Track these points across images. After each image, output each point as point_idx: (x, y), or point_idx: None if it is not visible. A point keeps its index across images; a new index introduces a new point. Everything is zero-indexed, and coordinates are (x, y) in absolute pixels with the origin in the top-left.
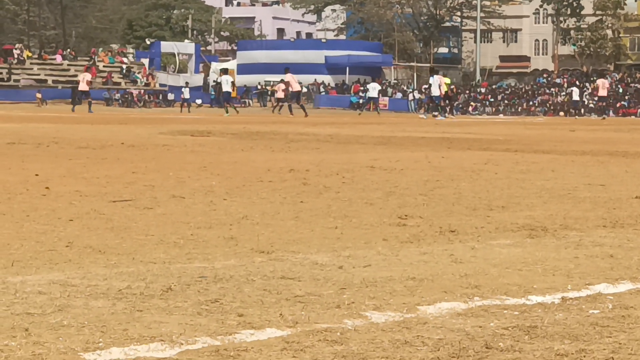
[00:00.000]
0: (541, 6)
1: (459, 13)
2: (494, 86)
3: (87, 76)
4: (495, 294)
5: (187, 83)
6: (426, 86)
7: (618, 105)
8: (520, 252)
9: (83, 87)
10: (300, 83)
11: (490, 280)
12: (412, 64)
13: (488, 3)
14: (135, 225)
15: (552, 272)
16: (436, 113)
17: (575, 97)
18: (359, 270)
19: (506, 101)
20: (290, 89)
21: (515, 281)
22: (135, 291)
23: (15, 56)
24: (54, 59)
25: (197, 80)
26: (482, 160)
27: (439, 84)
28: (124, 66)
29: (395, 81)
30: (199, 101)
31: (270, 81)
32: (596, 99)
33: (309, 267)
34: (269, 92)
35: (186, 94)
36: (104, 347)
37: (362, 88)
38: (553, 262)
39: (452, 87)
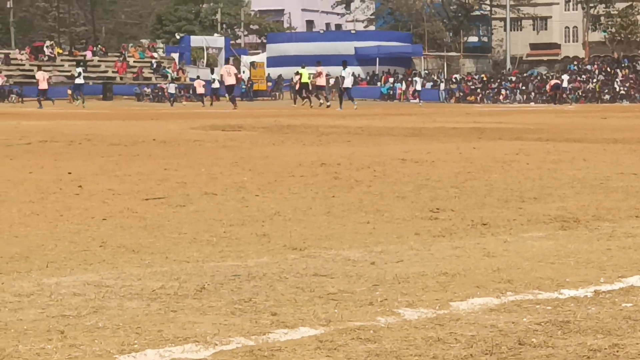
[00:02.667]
0: None
1: (488, 1)
2: (524, 74)
3: (46, 75)
4: (527, 288)
5: (213, 72)
6: (456, 76)
7: None
8: (553, 244)
9: (43, 85)
10: (328, 75)
11: (523, 275)
12: (442, 53)
13: None
14: (168, 224)
15: (584, 264)
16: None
17: (565, 84)
18: (391, 266)
19: (537, 89)
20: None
21: (548, 275)
22: (169, 291)
23: (46, 53)
24: (85, 55)
25: None
26: (513, 151)
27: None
28: (154, 61)
29: (426, 71)
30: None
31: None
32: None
33: (342, 264)
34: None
35: (216, 84)
36: (139, 349)
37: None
38: (585, 254)
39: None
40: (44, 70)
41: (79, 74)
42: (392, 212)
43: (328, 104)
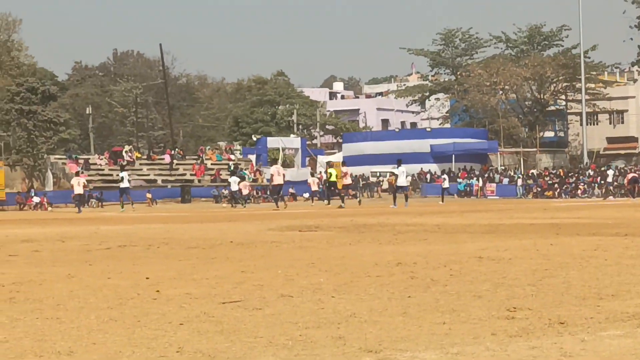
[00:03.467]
0: None
1: (563, 96)
2: (602, 168)
3: (82, 180)
4: None
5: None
6: (533, 171)
7: None
8: (631, 342)
9: (78, 190)
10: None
11: None
12: (518, 149)
13: (593, 85)
14: (244, 327)
15: None
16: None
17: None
18: None
19: (615, 183)
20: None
21: None
22: None
23: (125, 157)
24: (163, 158)
25: (304, 174)
26: (591, 247)
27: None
28: (232, 163)
29: (502, 167)
30: (306, 195)
31: (377, 172)
32: None
33: None
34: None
35: (234, 187)
36: None
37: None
38: None
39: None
40: (80, 175)
41: (122, 178)
42: (468, 311)
43: (343, 205)
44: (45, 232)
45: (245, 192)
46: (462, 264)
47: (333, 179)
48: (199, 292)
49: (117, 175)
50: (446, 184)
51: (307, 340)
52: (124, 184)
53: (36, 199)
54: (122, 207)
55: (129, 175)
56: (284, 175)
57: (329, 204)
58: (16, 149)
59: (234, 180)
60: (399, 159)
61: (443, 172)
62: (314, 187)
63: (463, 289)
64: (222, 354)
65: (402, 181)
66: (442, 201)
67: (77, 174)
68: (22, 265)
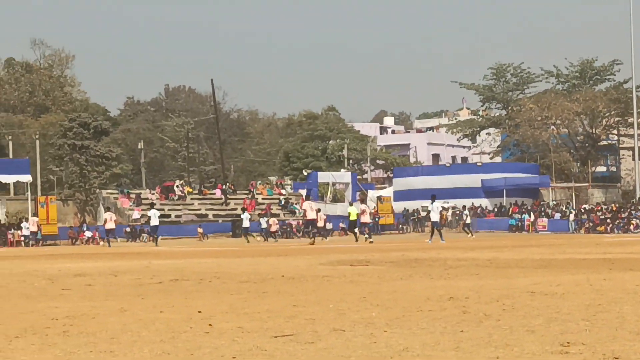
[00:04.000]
0: None
1: (615, 131)
2: None
3: (113, 216)
4: None
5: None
6: (585, 206)
7: None
8: None
9: (110, 225)
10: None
11: None
12: (570, 184)
13: None
14: None
15: None
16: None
17: None
18: None
19: None
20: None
21: None
22: None
23: (177, 192)
24: (214, 193)
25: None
26: None
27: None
28: (282, 198)
29: (554, 202)
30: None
31: (427, 207)
32: None
33: None
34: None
35: (246, 223)
36: None
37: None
38: None
39: None
40: (111, 211)
41: (154, 215)
42: (521, 346)
43: (368, 237)
44: (97, 266)
45: (274, 228)
46: (514, 299)
47: (353, 217)
48: (251, 326)
49: (149, 212)
50: (468, 220)
51: None
52: (154, 222)
53: (88, 234)
54: (157, 242)
55: (159, 213)
56: (317, 210)
57: (357, 240)
58: (69, 184)
59: (245, 216)
60: (433, 195)
61: (464, 207)
62: (366, 219)
63: (516, 323)
64: None
65: (435, 217)
66: (471, 235)
67: (107, 209)
68: (76, 299)
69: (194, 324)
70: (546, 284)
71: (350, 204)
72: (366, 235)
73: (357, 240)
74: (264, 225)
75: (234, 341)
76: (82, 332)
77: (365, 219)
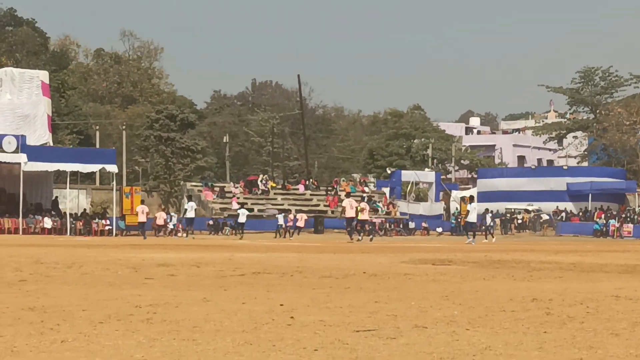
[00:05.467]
0: None
1: None
2: None
3: (146, 208)
4: None
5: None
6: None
7: None
8: None
9: (142, 218)
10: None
11: None
12: None
13: None
14: (378, 356)
15: None
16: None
17: None
18: None
19: None
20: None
21: None
22: None
23: (260, 187)
24: (297, 188)
25: (437, 208)
26: None
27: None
28: (365, 195)
29: None
30: (439, 229)
31: (511, 208)
32: None
33: None
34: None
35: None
36: None
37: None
38: None
39: None
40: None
41: (191, 207)
42: (605, 349)
43: (359, 238)
44: (180, 257)
45: (301, 223)
46: (598, 302)
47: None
48: (332, 320)
49: (186, 204)
50: (472, 218)
51: None
52: (190, 214)
53: (172, 225)
54: (187, 235)
55: (195, 206)
56: (356, 208)
57: (360, 239)
58: (154, 175)
59: (242, 212)
60: (471, 195)
61: (487, 210)
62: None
63: (600, 326)
64: None
65: (472, 217)
66: (491, 238)
67: (142, 202)
68: (159, 288)
69: (276, 316)
70: (631, 289)
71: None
72: (370, 236)
73: (352, 240)
74: (280, 222)
75: (316, 334)
76: (165, 320)
77: (364, 216)
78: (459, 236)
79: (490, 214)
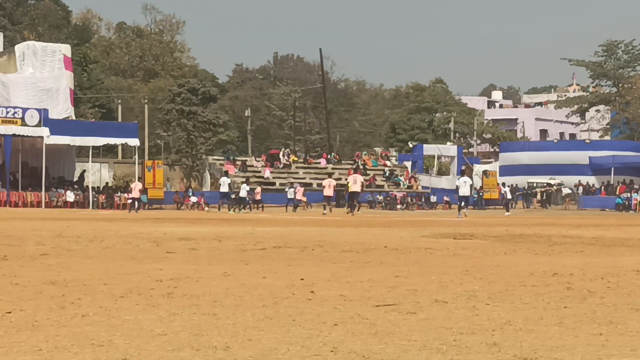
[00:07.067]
0: None
1: None
2: None
3: (139, 185)
4: None
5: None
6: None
7: None
8: None
9: (135, 194)
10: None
11: None
12: None
13: None
14: (398, 330)
15: None
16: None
17: None
18: None
19: None
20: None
21: None
22: None
23: (282, 160)
24: (319, 162)
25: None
26: None
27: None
28: (387, 169)
29: None
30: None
31: (533, 182)
32: None
33: None
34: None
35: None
36: None
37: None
38: None
39: None
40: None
41: (224, 182)
42: (626, 324)
43: (325, 212)
44: (202, 231)
45: (299, 196)
46: (619, 277)
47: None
48: (353, 295)
49: (221, 180)
50: (464, 192)
51: (461, 346)
52: (224, 189)
53: (193, 199)
54: (231, 210)
55: (229, 181)
56: (362, 183)
57: (351, 212)
58: (176, 149)
59: (244, 187)
60: (462, 169)
61: (504, 185)
62: (328, 192)
63: (620, 301)
64: (376, 355)
65: (464, 191)
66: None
67: (139, 179)
68: (180, 263)
69: (296, 291)
70: None
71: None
72: (349, 208)
73: (352, 213)
74: (290, 195)
75: (336, 309)
76: (186, 295)
77: (354, 188)
78: (480, 210)
79: (508, 188)
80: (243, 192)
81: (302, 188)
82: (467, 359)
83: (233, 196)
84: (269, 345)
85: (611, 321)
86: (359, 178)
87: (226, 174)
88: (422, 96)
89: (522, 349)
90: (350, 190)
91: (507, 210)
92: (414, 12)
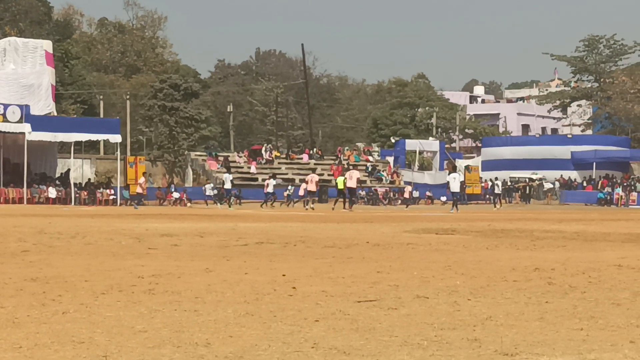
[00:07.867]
0: None
1: None
2: None
3: (141, 180)
4: None
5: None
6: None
7: None
8: None
9: (228, 185)
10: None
11: None
12: None
13: None
14: (379, 326)
15: None
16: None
17: None
18: None
19: None
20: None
21: None
22: None
23: (264, 156)
24: (301, 158)
25: (442, 177)
26: None
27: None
28: (369, 164)
29: None
30: (443, 198)
31: (515, 177)
32: None
33: None
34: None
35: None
36: None
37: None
38: None
39: None
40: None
41: (227, 179)
42: (607, 319)
43: (312, 206)
44: (184, 227)
45: (270, 190)
46: (600, 272)
47: (340, 186)
48: (334, 291)
49: (223, 176)
50: (454, 187)
51: (442, 341)
52: (227, 185)
53: (176, 195)
54: (230, 206)
55: (232, 177)
56: (357, 179)
57: (349, 208)
58: (158, 145)
59: (227, 177)
60: (453, 165)
61: (495, 178)
62: (311, 188)
63: (602, 296)
64: (357, 351)
65: (454, 187)
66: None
67: (228, 170)
68: (162, 259)
69: (278, 287)
70: (634, 258)
71: (343, 174)
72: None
73: (350, 209)
74: (270, 190)
75: (317, 305)
76: (167, 291)
77: (350, 183)
78: (462, 205)
79: (499, 182)
80: (228, 183)
81: (272, 181)
82: (448, 354)
83: (215, 192)
84: (250, 342)
85: (592, 316)
86: (355, 174)
87: (228, 170)
88: (404, 91)
89: (503, 344)
90: (347, 186)
91: (496, 205)
92: (396, 8)
